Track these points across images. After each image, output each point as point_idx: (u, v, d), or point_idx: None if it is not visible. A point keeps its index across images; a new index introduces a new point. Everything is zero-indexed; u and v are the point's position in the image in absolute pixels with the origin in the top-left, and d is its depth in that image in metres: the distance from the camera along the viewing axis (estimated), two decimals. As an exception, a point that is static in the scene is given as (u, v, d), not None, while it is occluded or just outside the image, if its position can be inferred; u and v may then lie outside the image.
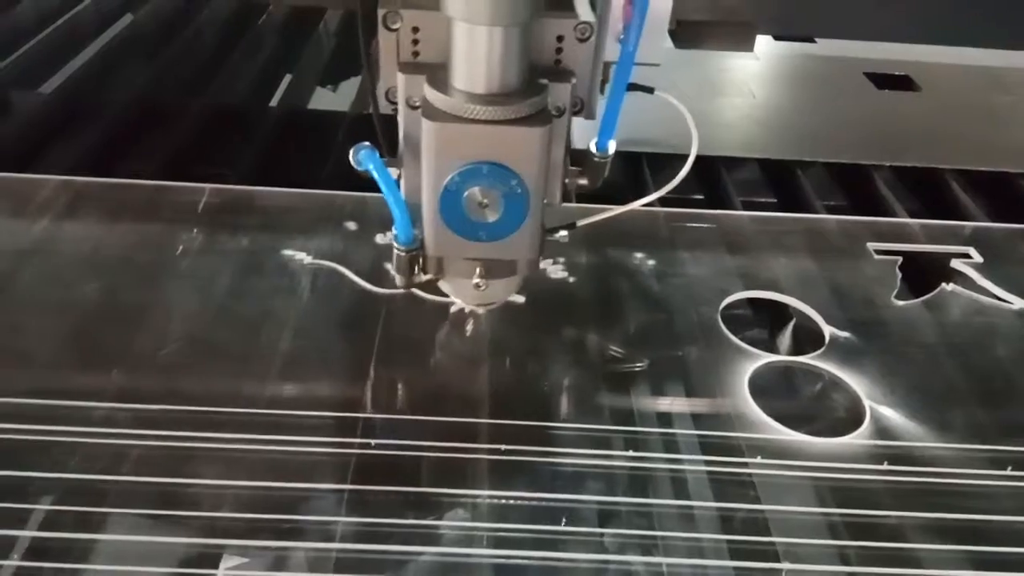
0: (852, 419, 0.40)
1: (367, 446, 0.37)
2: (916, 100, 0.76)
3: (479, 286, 0.37)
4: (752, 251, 0.52)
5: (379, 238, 0.50)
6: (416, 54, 0.34)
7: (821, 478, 0.37)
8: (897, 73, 0.80)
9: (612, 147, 0.37)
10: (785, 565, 0.34)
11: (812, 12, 0.83)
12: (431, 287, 0.41)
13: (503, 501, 0.35)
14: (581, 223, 0.40)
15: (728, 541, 0.35)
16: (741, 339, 0.45)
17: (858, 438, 0.39)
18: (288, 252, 0.49)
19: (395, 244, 0.37)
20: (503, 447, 0.37)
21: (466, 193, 0.34)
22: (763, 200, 0.62)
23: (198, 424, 0.37)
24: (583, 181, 0.38)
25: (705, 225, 0.54)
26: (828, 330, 0.46)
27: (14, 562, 0.32)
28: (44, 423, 0.37)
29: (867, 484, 0.37)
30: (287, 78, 0.78)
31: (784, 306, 0.48)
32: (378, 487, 0.36)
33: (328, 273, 0.47)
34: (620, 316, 0.47)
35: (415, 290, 0.46)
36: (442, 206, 0.34)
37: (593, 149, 0.37)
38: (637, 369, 0.43)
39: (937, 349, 0.45)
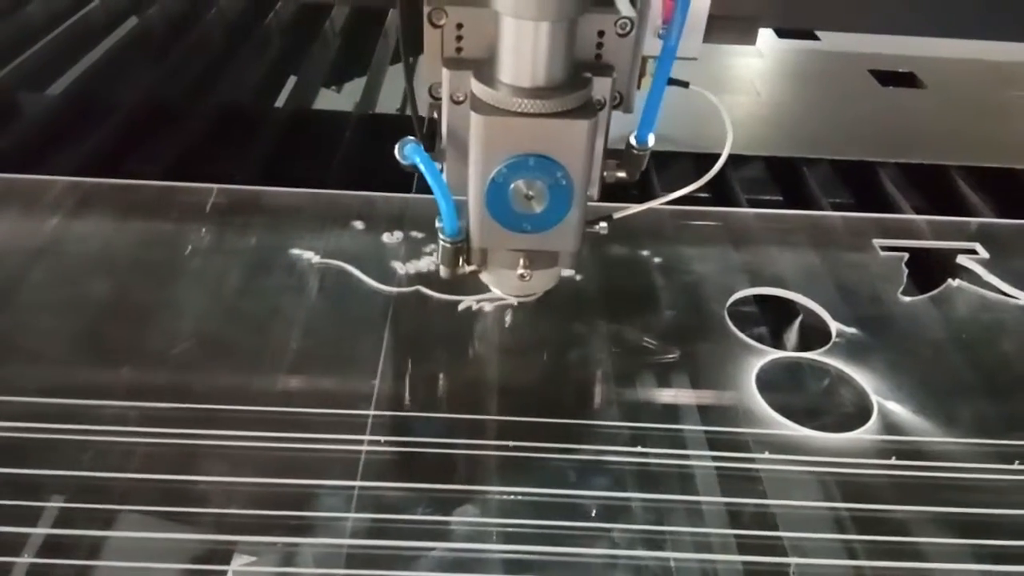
0: (859, 415, 0.41)
1: (377, 443, 0.37)
2: (921, 97, 0.76)
3: (524, 277, 0.38)
4: (758, 248, 0.52)
5: (386, 237, 0.51)
6: (460, 50, 0.35)
7: (828, 473, 0.38)
8: (902, 70, 0.80)
9: (652, 140, 0.38)
10: (793, 559, 0.34)
11: (815, 5, 0.83)
12: (441, 284, 0.41)
13: (512, 497, 0.35)
14: (617, 215, 0.41)
15: (736, 536, 0.35)
16: (748, 336, 0.45)
17: (865, 433, 0.39)
18: (296, 251, 0.49)
19: (441, 236, 0.38)
20: (511, 443, 0.38)
21: (512, 185, 0.35)
22: (769, 198, 0.62)
23: (208, 422, 0.38)
24: (621, 174, 0.39)
25: (711, 223, 0.55)
26: (835, 326, 0.46)
27: (28, 559, 0.32)
28: (55, 421, 0.37)
29: (874, 479, 0.38)
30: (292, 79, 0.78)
31: (790, 303, 0.48)
32: (388, 483, 0.36)
33: (336, 272, 0.48)
34: (626, 313, 0.47)
35: (422, 288, 0.46)
36: (488, 198, 0.35)
37: (632, 142, 0.38)
38: (656, 361, 0.43)
39: (944, 345, 0.45)
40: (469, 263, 0.39)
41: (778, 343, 0.45)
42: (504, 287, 0.41)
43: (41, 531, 0.33)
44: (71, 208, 0.52)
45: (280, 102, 0.74)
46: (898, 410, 0.41)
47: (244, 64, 0.78)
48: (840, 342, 0.45)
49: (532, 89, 0.34)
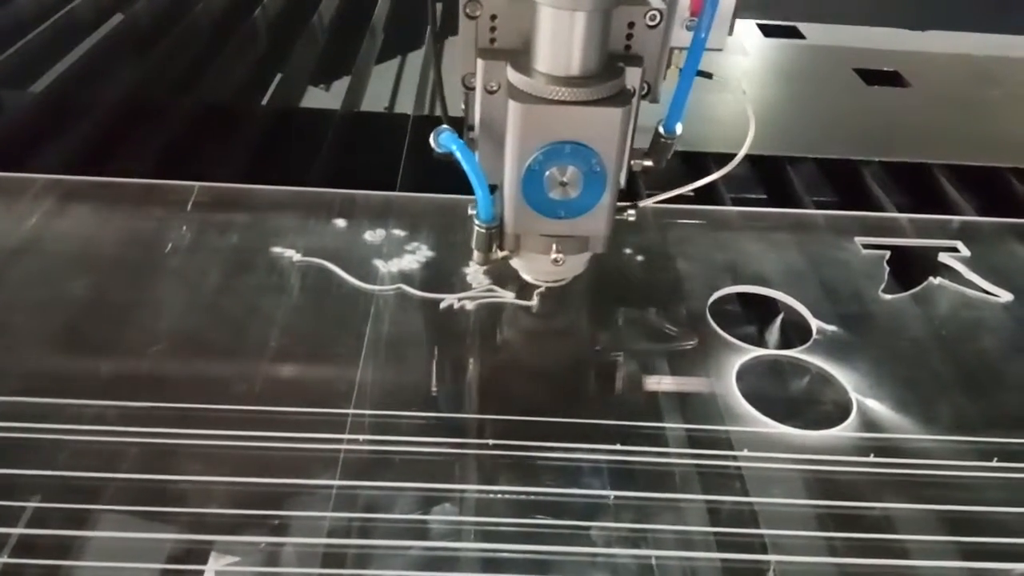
0: (838, 412, 0.41)
1: (356, 442, 0.37)
2: (906, 96, 0.76)
3: (557, 261, 0.38)
4: (741, 246, 0.52)
5: (368, 235, 0.50)
6: (493, 41, 0.36)
7: (808, 470, 0.38)
8: (887, 69, 0.80)
9: (679, 129, 0.39)
10: (773, 557, 0.34)
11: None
12: (423, 283, 0.41)
13: (490, 495, 0.35)
14: (643, 203, 0.42)
15: (716, 533, 0.35)
16: (729, 333, 0.45)
17: (845, 431, 0.40)
18: (277, 249, 0.49)
19: (476, 222, 0.38)
20: (491, 442, 0.37)
21: (548, 172, 0.36)
22: (753, 196, 0.62)
23: (186, 421, 0.37)
24: (648, 163, 0.40)
25: (695, 221, 0.55)
26: (815, 324, 0.46)
27: (2, 560, 0.32)
28: (33, 421, 0.37)
29: (854, 476, 0.38)
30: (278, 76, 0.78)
31: (772, 300, 0.48)
32: (367, 482, 0.36)
33: (317, 270, 0.47)
34: (608, 311, 0.47)
35: (404, 286, 0.46)
36: (524, 184, 0.36)
37: (661, 130, 0.39)
38: (638, 359, 0.43)
39: (924, 342, 0.46)
40: (502, 248, 0.39)
41: (760, 341, 0.45)
42: (534, 272, 0.43)
43: (16, 531, 0.33)
44: (52, 206, 0.51)
45: (266, 100, 0.73)
46: (877, 407, 0.41)
47: (229, 62, 0.77)
48: (821, 340, 0.45)
49: (568, 78, 0.35)
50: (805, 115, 0.72)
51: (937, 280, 0.50)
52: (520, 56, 0.36)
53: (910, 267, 0.51)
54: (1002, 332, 0.47)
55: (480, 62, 0.37)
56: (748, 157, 0.64)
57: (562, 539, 0.34)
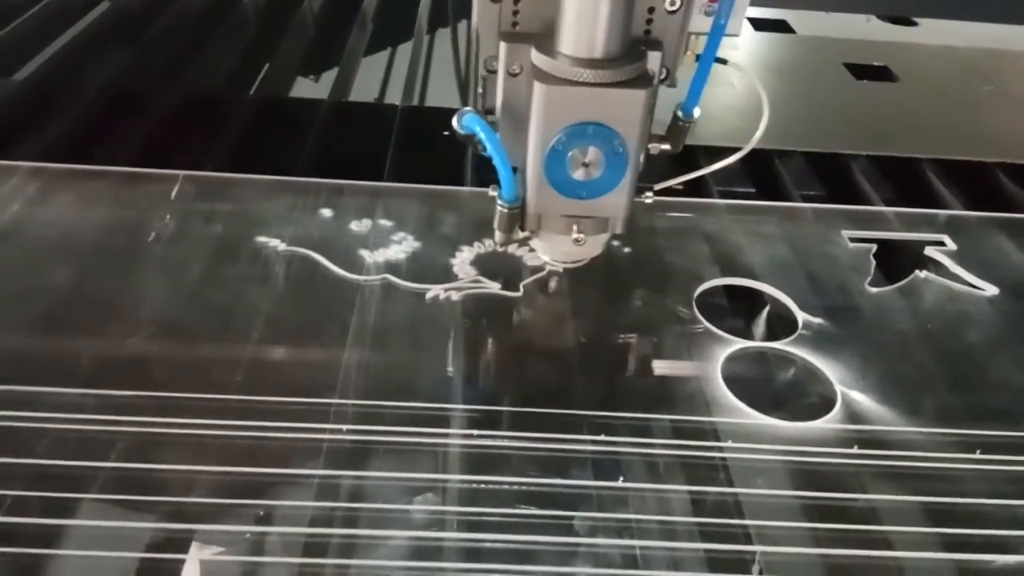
0: (823, 404, 0.41)
1: (339, 431, 0.37)
2: (895, 90, 0.76)
3: (579, 241, 0.39)
4: (728, 239, 0.52)
5: (355, 225, 0.50)
6: (515, 24, 0.37)
7: (793, 462, 0.38)
8: (876, 64, 0.80)
9: (697, 113, 0.40)
10: (758, 547, 0.34)
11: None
12: (409, 273, 0.41)
13: (471, 485, 0.35)
14: (659, 186, 0.43)
15: (700, 524, 0.35)
16: (716, 325, 0.45)
17: (829, 422, 0.40)
18: (262, 239, 0.48)
19: (499, 202, 0.39)
20: (475, 432, 0.37)
21: (571, 152, 0.36)
22: (741, 189, 0.62)
23: (169, 410, 0.37)
24: (665, 146, 0.41)
25: (683, 214, 0.55)
26: (801, 316, 0.46)
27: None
28: (11, 409, 0.36)
29: (838, 467, 0.38)
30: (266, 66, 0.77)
31: (758, 293, 0.48)
32: (351, 472, 0.35)
33: (302, 260, 0.47)
34: (594, 303, 0.47)
35: (390, 277, 0.46)
36: (547, 165, 0.37)
37: (679, 114, 0.40)
38: (623, 349, 0.43)
39: (909, 335, 0.46)
40: (523, 228, 0.40)
41: (745, 333, 0.45)
42: (553, 253, 0.44)
43: (-5, 520, 0.33)
44: (33, 194, 0.51)
45: (254, 89, 0.73)
46: (862, 399, 0.41)
47: (217, 50, 0.77)
48: (806, 332, 0.45)
49: (592, 60, 0.35)
50: (794, 109, 0.72)
51: (923, 274, 0.50)
52: (544, 39, 0.36)
53: (896, 260, 0.52)
54: (987, 326, 0.47)
55: (503, 45, 0.37)
56: (737, 150, 0.64)
57: (546, 529, 0.34)
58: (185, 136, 0.61)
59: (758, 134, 0.42)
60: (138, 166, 0.54)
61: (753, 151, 0.63)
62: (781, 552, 0.34)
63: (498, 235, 0.40)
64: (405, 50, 0.83)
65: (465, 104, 0.72)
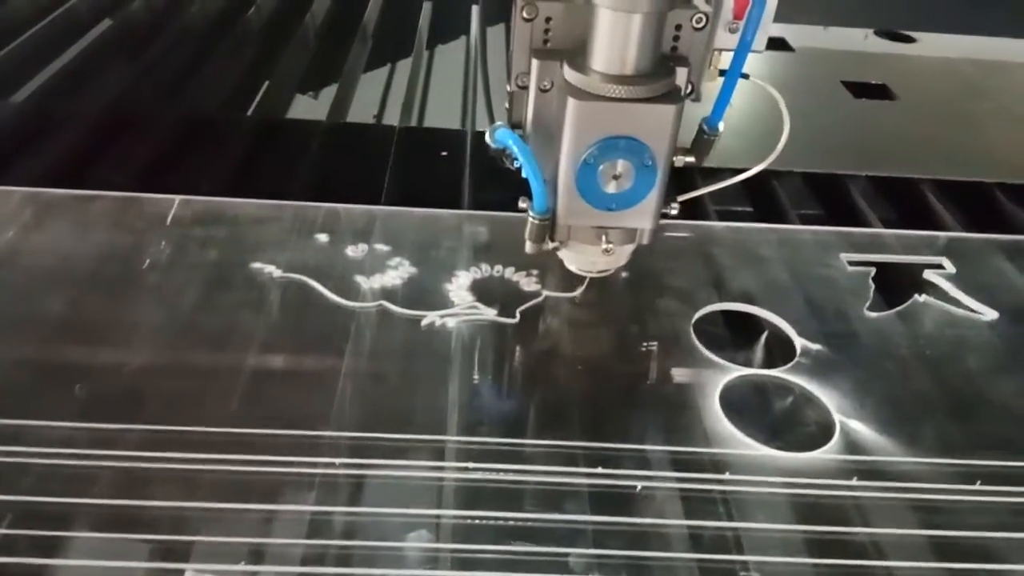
0: (822, 433, 0.40)
1: (331, 465, 0.37)
2: (893, 109, 0.76)
3: (608, 251, 0.41)
4: (726, 262, 0.52)
5: (351, 250, 0.50)
6: (547, 42, 0.39)
7: (791, 494, 0.37)
8: (874, 82, 0.80)
9: (721, 127, 0.42)
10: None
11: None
12: (405, 300, 0.41)
13: (465, 521, 0.35)
14: (682, 198, 0.44)
15: (699, 560, 0.35)
16: (713, 352, 0.44)
17: (827, 453, 0.39)
18: (257, 265, 0.48)
19: (530, 214, 0.40)
20: (471, 464, 0.37)
21: (602, 165, 0.38)
22: (739, 209, 0.62)
23: (159, 444, 0.37)
24: (690, 159, 0.42)
25: (680, 234, 0.54)
26: (800, 343, 0.46)
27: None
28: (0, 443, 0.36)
29: (837, 500, 0.37)
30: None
31: (757, 318, 0.48)
32: (343, 508, 0.35)
33: (298, 286, 0.47)
34: (589, 330, 0.47)
35: (386, 303, 0.46)
36: (578, 177, 0.38)
37: (705, 127, 0.42)
38: (619, 379, 0.43)
39: (908, 362, 0.45)
40: (553, 239, 0.41)
41: (743, 360, 0.45)
42: (580, 263, 0.45)
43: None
44: (28, 220, 0.51)
45: (251, 110, 0.73)
46: (860, 428, 0.40)
47: (213, 72, 0.77)
48: (804, 359, 0.44)
49: (623, 76, 0.36)
50: (792, 128, 0.72)
51: (923, 298, 0.50)
52: (575, 56, 0.38)
53: (895, 284, 0.51)
54: (987, 351, 0.47)
55: (535, 62, 0.39)
56: (733, 171, 0.64)
57: (542, 566, 0.33)
58: (181, 159, 0.61)
59: (780, 145, 0.44)
60: (134, 190, 0.54)
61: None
62: (779, 586, 0.34)
63: (529, 245, 0.42)
64: (404, 66, 0.83)
65: (464, 123, 0.72)
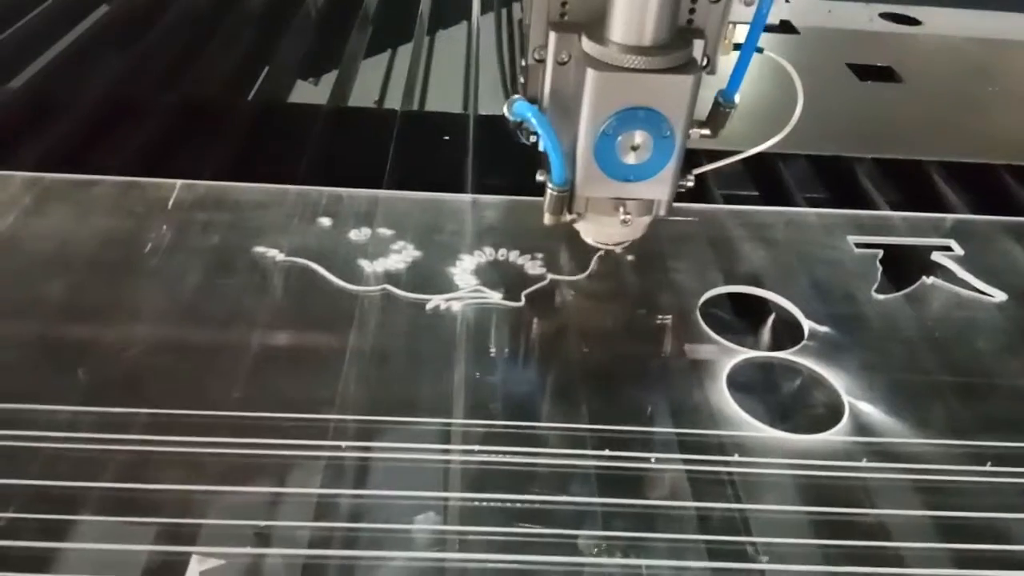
0: (831, 415, 0.40)
1: (338, 448, 0.36)
2: (899, 91, 0.76)
3: (626, 222, 0.41)
4: (732, 245, 0.51)
5: (354, 234, 0.49)
6: (563, 15, 0.39)
7: (800, 476, 0.37)
8: (880, 64, 0.79)
9: (737, 99, 0.42)
10: (766, 565, 0.33)
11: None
12: (409, 283, 0.40)
13: (474, 503, 0.35)
14: (697, 171, 0.44)
15: (706, 541, 0.34)
16: (720, 335, 0.44)
17: (837, 435, 0.39)
18: (260, 249, 0.48)
19: (549, 186, 0.40)
20: (476, 448, 0.37)
21: (620, 136, 0.38)
22: (744, 193, 0.61)
23: (165, 427, 0.36)
24: (705, 132, 0.42)
25: (685, 219, 0.54)
26: (807, 325, 0.45)
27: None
28: (5, 427, 0.36)
29: (847, 481, 0.37)
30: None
31: (764, 301, 0.47)
32: (350, 490, 0.35)
33: (301, 270, 0.46)
34: (596, 313, 0.46)
35: (390, 287, 0.45)
36: (597, 149, 0.38)
37: (720, 100, 0.42)
38: (625, 364, 0.43)
39: (917, 343, 0.45)
40: (570, 211, 0.41)
41: (750, 342, 0.44)
42: (597, 235, 0.45)
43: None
44: (29, 204, 0.50)
45: (252, 95, 0.72)
46: (869, 410, 0.40)
47: (213, 56, 0.76)
48: (812, 342, 0.44)
49: (641, 47, 0.37)
50: (793, 109, 0.71)
51: (930, 280, 0.49)
52: (593, 28, 0.38)
53: (903, 266, 0.51)
54: (996, 333, 0.46)
55: (552, 35, 0.39)
56: (738, 152, 0.64)
57: (550, 548, 0.33)
58: (182, 144, 0.60)
59: (794, 119, 0.44)
60: (135, 175, 0.53)
61: (756, 155, 0.63)
62: (789, 570, 0.34)
63: (547, 217, 0.42)
64: (405, 52, 0.82)
65: (466, 107, 0.72)
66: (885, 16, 0.93)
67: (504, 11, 0.92)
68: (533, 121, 0.39)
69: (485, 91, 0.72)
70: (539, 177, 0.41)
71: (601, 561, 0.33)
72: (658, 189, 0.40)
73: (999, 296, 0.49)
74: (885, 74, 0.78)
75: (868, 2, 0.93)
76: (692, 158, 0.60)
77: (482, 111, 0.67)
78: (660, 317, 0.46)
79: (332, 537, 0.33)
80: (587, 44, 0.38)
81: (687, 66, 0.37)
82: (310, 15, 0.87)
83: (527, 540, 0.33)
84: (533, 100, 0.41)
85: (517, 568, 0.32)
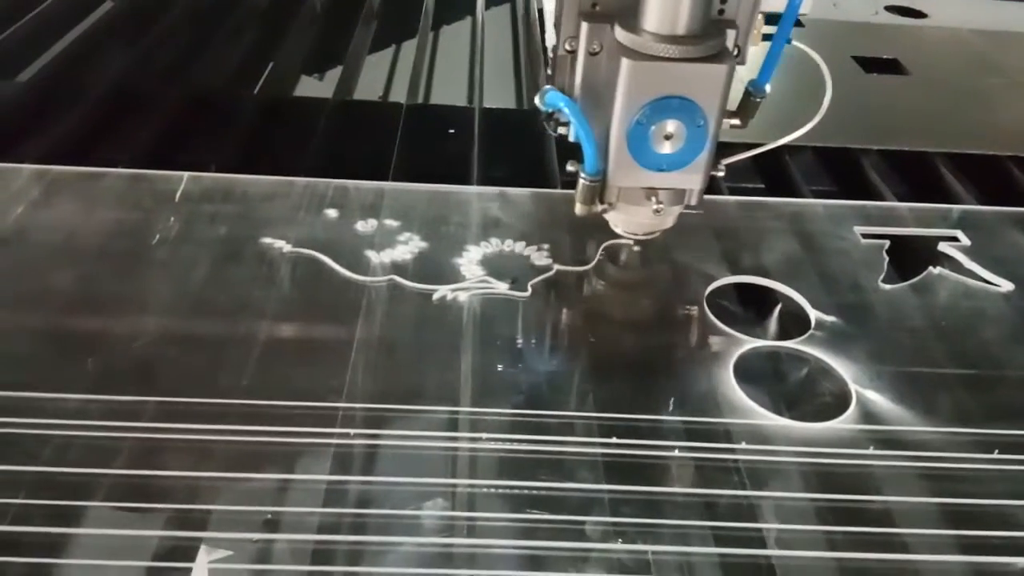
0: (838, 403, 0.40)
1: (346, 436, 0.36)
2: (905, 83, 0.75)
3: (659, 211, 0.41)
4: (739, 236, 0.51)
5: (360, 225, 0.50)
6: (595, 5, 0.39)
7: (807, 463, 0.37)
8: (885, 56, 0.79)
9: (768, 89, 0.42)
10: (773, 551, 0.34)
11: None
12: (416, 274, 0.40)
13: (483, 490, 0.35)
14: (726, 161, 0.44)
15: (713, 528, 0.34)
16: (727, 325, 0.44)
17: (844, 423, 0.39)
18: (267, 240, 0.48)
19: (581, 175, 0.40)
20: (483, 435, 0.37)
21: (654, 126, 0.38)
22: (751, 186, 0.61)
23: (174, 415, 0.37)
24: (735, 121, 0.43)
25: (692, 211, 0.54)
26: (814, 314, 0.45)
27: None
28: (15, 415, 0.36)
29: (854, 469, 0.37)
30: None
31: (770, 291, 0.47)
32: (358, 477, 0.35)
33: (308, 261, 0.47)
34: (603, 303, 0.46)
35: (396, 277, 0.46)
36: (630, 138, 0.38)
37: (751, 90, 0.42)
38: (633, 352, 0.43)
39: (924, 333, 0.45)
40: (602, 200, 0.41)
41: (757, 332, 0.44)
42: (628, 224, 0.45)
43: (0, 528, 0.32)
44: (37, 196, 0.51)
45: (258, 88, 0.72)
46: (877, 399, 0.40)
47: (220, 49, 0.76)
48: (819, 331, 0.44)
49: (675, 36, 0.37)
50: (803, 104, 0.71)
51: (937, 270, 0.49)
52: (626, 18, 0.38)
53: (910, 257, 0.51)
54: (1003, 322, 0.46)
55: (584, 25, 0.39)
56: (746, 146, 0.63)
57: (558, 534, 0.33)
58: (189, 137, 0.60)
59: (822, 109, 0.45)
60: (142, 167, 0.54)
61: (762, 146, 0.63)
62: (796, 556, 0.34)
63: (578, 207, 0.42)
64: (408, 47, 0.82)
65: (471, 100, 0.72)
66: (890, 9, 0.92)
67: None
68: (566, 111, 0.39)
69: (490, 86, 0.73)
70: (570, 167, 0.41)
71: (608, 547, 0.33)
72: (691, 178, 0.40)
73: (1006, 286, 0.48)
74: (891, 66, 0.78)
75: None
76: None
77: (487, 104, 0.68)
78: (667, 307, 0.46)
79: (341, 523, 0.33)
80: (620, 34, 0.37)
81: (721, 55, 0.37)
82: (315, 10, 0.87)
83: (535, 526, 0.33)
84: (561, 90, 0.41)
85: (525, 554, 0.33)
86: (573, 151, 0.43)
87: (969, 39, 0.86)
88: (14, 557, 0.31)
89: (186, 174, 0.53)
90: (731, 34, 0.39)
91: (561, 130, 0.42)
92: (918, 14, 0.92)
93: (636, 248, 0.49)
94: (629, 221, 0.45)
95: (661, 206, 0.41)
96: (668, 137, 0.38)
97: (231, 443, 0.36)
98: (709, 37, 0.37)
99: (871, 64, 0.77)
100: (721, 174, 0.42)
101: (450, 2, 0.92)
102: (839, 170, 0.62)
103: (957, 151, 0.63)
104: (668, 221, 0.45)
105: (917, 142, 0.64)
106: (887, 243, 0.51)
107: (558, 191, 0.55)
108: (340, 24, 0.84)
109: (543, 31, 0.45)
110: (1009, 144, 0.64)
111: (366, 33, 0.83)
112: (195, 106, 0.65)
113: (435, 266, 0.47)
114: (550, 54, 0.41)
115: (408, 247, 0.48)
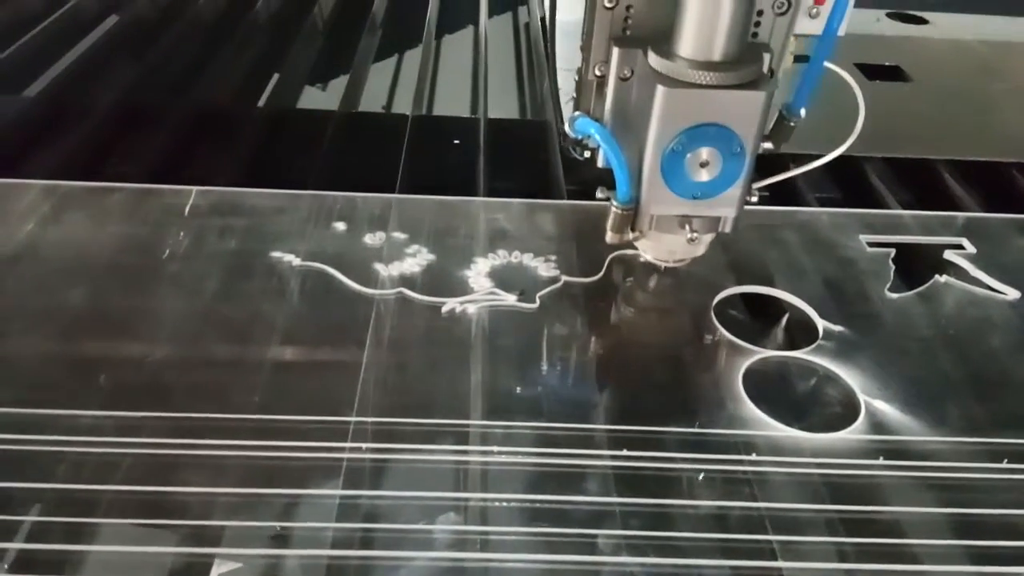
0: (847, 414, 0.40)
1: (358, 450, 0.37)
2: (908, 91, 0.76)
3: (693, 239, 0.40)
4: (745, 245, 0.52)
5: (368, 238, 0.50)
6: (626, 30, 0.38)
7: (817, 474, 0.37)
8: (888, 64, 0.79)
9: (803, 113, 0.41)
10: (783, 563, 0.34)
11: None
12: (424, 287, 0.41)
13: (495, 504, 0.35)
14: (757, 185, 0.43)
15: (722, 540, 0.34)
16: (734, 335, 0.44)
17: (853, 433, 0.39)
18: (276, 254, 0.48)
19: (613, 203, 0.40)
20: (495, 448, 0.37)
21: (689, 154, 0.37)
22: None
23: (186, 431, 0.37)
24: (768, 145, 0.41)
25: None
26: (821, 324, 0.45)
27: (1, 574, 0.32)
28: (29, 432, 0.36)
29: (863, 479, 0.37)
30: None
31: (777, 301, 0.48)
32: (370, 492, 0.35)
33: (317, 275, 0.47)
34: (611, 315, 0.47)
35: (405, 290, 0.46)
36: (664, 166, 0.37)
37: (785, 113, 0.41)
38: (643, 364, 0.43)
39: (931, 341, 0.45)
40: (634, 229, 0.41)
41: (765, 342, 0.45)
42: (658, 252, 0.44)
43: (15, 546, 0.33)
44: (47, 212, 0.51)
45: (263, 101, 0.73)
46: (885, 409, 0.40)
47: (225, 63, 0.77)
48: (827, 341, 0.44)
49: (711, 62, 0.36)
50: (806, 111, 0.71)
51: (943, 278, 0.50)
52: (659, 43, 0.37)
53: (916, 265, 0.51)
54: (1010, 330, 0.46)
55: (616, 50, 0.38)
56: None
57: (569, 547, 0.34)
58: (197, 151, 0.61)
59: (857, 127, 0.44)
60: (151, 182, 0.54)
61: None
62: (807, 568, 0.34)
63: (609, 235, 0.41)
64: (411, 57, 0.83)
65: (476, 111, 0.72)
66: (892, 16, 0.93)
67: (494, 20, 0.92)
68: (597, 137, 0.38)
69: (494, 96, 0.73)
70: (600, 194, 0.40)
71: (621, 560, 0.33)
72: (726, 206, 0.39)
73: (1012, 294, 0.49)
74: (894, 73, 0.78)
75: (874, 9, 0.93)
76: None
77: (491, 114, 0.68)
78: (674, 318, 0.46)
79: (353, 538, 0.33)
80: (654, 59, 0.36)
81: (758, 82, 0.36)
82: (320, 19, 0.88)
83: (546, 540, 0.34)
84: (587, 115, 0.41)
85: (537, 567, 0.33)
86: (578, 163, 0.43)
87: (971, 47, 0.86)
88: (30, 574, 0.32)
89: (195, 188, 0.53)
90: (766, 59, 0.38)
91: (587, 154, 0.42)
92: (920, 20, 0.92)
93: (643, 259, 0.49)
94: (660, 248, 0.44)
95: (696, 235, 0.40)
96: (704, 165, 0.37)
97: (243, 458, 0.36)
98: (746, 63, 0.36)
99: (874, 72, 0.78)
100: (755, 199, 0.41)
101: (453, 12, 0.93)
102: (843, 178, 0.62)
103: (961, 158, 0.63)
104: (700, 249, 0.44)
105: (921, 149, 0.64)
106: (893, 251, 0.51)
107: (564, 202, 0.55)
108: (344, 36, 0.84)
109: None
110: (1013, 150, 0.64)
111: (370, 44, 0.84)
112: (202, 120, 0.65)
113: (443, 278, 0.47)
114: (574, 77, 0.40)
115: (416, 260, 0.48)
